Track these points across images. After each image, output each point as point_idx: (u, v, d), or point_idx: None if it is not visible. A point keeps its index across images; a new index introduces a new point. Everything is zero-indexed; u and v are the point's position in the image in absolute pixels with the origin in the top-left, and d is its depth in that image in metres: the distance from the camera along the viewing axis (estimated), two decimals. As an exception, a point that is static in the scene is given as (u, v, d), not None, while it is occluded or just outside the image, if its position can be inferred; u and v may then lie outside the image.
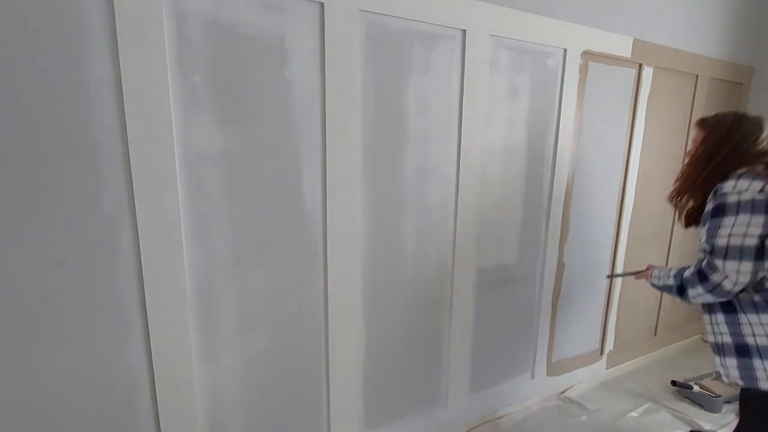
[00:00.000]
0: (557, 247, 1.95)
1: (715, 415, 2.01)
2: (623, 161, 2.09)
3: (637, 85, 2.02)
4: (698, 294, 1.22)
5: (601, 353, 2.31)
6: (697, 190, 1.32)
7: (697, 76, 2.24)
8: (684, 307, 2.65)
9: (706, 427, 1.92)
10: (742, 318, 1.18)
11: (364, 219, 1.43)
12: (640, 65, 1.99)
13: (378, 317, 1.54)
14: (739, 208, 1.14)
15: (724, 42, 2.32)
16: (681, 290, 1.28)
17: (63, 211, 1.00)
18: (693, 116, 2.29)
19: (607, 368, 2.35)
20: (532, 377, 2.05)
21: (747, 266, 1.11)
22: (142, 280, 1.11)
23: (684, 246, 2.50)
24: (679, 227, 2.40)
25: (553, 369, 2.12)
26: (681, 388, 2.16)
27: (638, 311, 2.41)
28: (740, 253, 1.12)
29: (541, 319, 1.99)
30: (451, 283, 1.68)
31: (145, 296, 1.11)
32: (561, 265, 2.00)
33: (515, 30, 1.59)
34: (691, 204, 1.37)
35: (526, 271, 1.91)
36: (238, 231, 1.23)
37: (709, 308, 1.27)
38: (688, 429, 1.91)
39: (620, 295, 2.28)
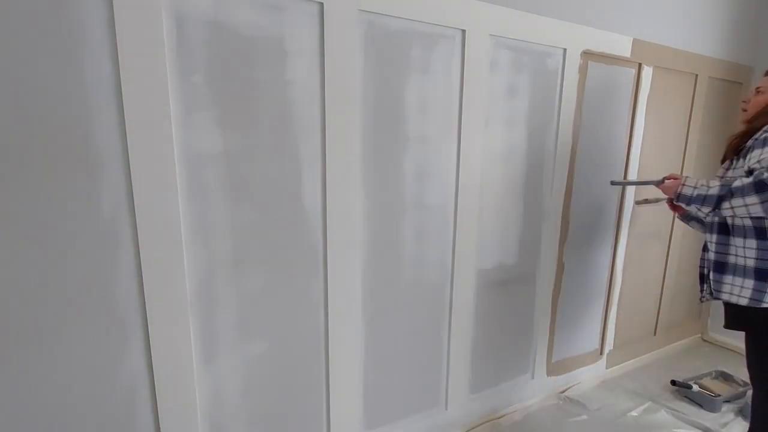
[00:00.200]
0: (557, 247, 1.95)
1: (714, 415, 2.02)
2: (623, 161, 2.09)
3: (636, 85, 2.02)
4: (746, 204, 1.20)
5: (601, 353, 2.31)
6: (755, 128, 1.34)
7: (697, 75, 2.24)
8: (684, 307, 2.65)
9: (707, 425, 1.92)
10: None
11: (364, 219, 1.43)
12: (640, 65, 1.99)
13: (378, 317, 1.54)
14: None
15: (724, 42, 2.33)
16: (720, 200, 1.26)
17: (63, 212, 1.00)
18: (692, 116, 2.30)
19: (606, 368, 2.35)
20: (532, 377, 2.05)
21: None
22: (142, 280, 1.10)
23: (684, 246, 2.50)
24: (678, 227, 2.42)
25: (553, 369, 2.12)
26: (680, 387, 2.16)
27: (638, 311, 2.41)
28: None
29: (540, 319, 2.00)
30: (450, 284, 1.68)
31: (145, 297, 1.11)
32: (561, 265, 2.00)
33: (515, 30, 1.59)
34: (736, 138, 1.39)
35: (526, 272, 1.91)
36: (237, 232, 1.23)
37: (738, 231, 1.32)
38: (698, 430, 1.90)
39: (620, 295, 2.28)
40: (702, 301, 1.49)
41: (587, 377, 2.27)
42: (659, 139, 2.20)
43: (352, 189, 1.38)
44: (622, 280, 2.27)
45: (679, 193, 1.36)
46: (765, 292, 1.28)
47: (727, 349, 2.68)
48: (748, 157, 1.30)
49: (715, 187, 1.28)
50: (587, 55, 1.81)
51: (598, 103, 1.92)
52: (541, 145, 1.80)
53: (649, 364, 2.50)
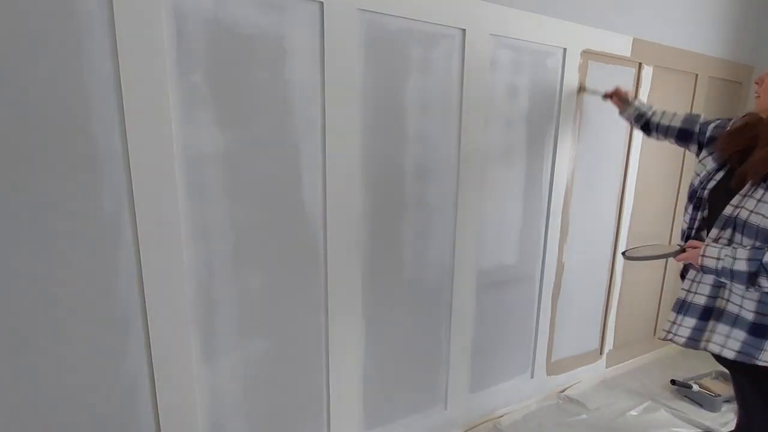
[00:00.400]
0: (557, 247, 1.95)
1: (714, 414, 2.02)
2: (623, 160, 2.09)
3: (636, 84, 2.02)
4: None
5: (601, 352, 2.31)
6: None
7: (697, 75, 2.24)
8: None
9: (706, 424, 1.92)
10: None
11: (364, 219, 1.43)
12: (640, 64, 1.99)
13: (378, 317, 1.54)
14: None
15: (724, 41, 2.32)
16: (752, 277, 1.06)
17: (62, 212, 1.00)
18: (692, 115, 2.30)
19: (606, 367, 2.35)
20: (532, 376, 2.05)
21: None
22: (142, 280, 1.10)
23: (683, 245, 2.50)
24: (678, 227, 2.42)
25: (553, 368, 2.12)
26: (680, 387, 2.16)
27: (638, 310, 2.41)
28: None
29: (540, 319, 2.00)
30: (450, 283, 1.68)
31: (145, 296, 1.11)
32: (561, 265, 2.00)
33: (515, 29, 1.59)
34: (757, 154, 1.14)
35: (525, 271, 1.91)
36: (237, 231, 1.23)
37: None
38: (698, 430, 1.90)
39: (620, 295, 2.28)
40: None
41: (587, 377, 2.27)
42: (659, 138, 2.20)
43: (352, 188, 1.38)
44: (622, 280, 2.27)
45: (702, 266, 1.18)
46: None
47: (727, 348, 2.68)
48: None
49: (741, 261, 1.08)
50: (587, 54, 1.81)
51: (598, 102, 1.91)
52: (541, 144, 1.80)
53: (648, 364, 2.50)
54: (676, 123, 1.57)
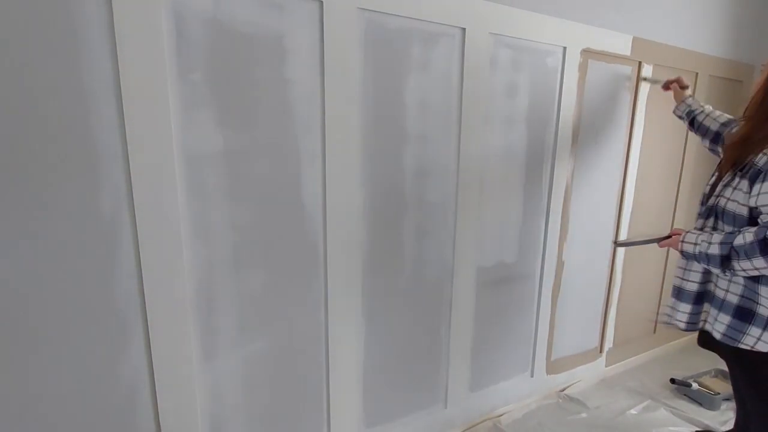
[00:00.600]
0: (557, 246, 1.96)
1: (713, 413, 2.02)
2: (623, 159, 2.09)
3: (637, 84, 2.01)
4: (755, 267, 1.07)
5: (601, 351, 2.31)
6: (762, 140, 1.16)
7: (697, 74, 2.24)
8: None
9: (706, 422, 1.92)
10: None
11: (364, 218, 1.43)
12: (640, 63, 1.99)
13: (378, 316, 1.54)
14: None
15: (724, 40, 2.32)
16: (725, 260, 1.13)
17: (62, 212, 1.00)
18: (693, 114, 2.29)
19: (606, 366, 2.35)
20: (532, 375, 2.06)
21: None
22: (142, 280, 1.10)
23: (683, 244, 2.50)
24: (678, 225, 2.42)
25: (553, 367, 2.13)
26: (680, 385, 2.17)
27: (637, 309, 2.41)
28: None
29: (540, 318, 2.00)
30: (450, 282, 1.68)
31: (145, 297, 1.11)
32: (560, 263, 2.00)
33: (515, 28, 1.59)
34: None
35: (525, 270, 1.91)
36: (238, 231, 1.23)
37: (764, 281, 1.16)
38: (695, 429, 1.91)
39: (620, 293, 2.28)
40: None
41: (587, 375, 2.27)
42: (659, 137, 2.20)
43: (352, 188, 1.37)
44: (622, 278, 2.27)
45: (682, 251, 1.27)
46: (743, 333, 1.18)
47: (727, 347, 2.68)
48: (754, 187, 1.10)
49: (715, 245, 1.15)
50: (587, 53, 1.81)
51: (598, 101, 1.91)
52: (541, 143, 1.80)
53: (648, 363, 2.50)
54: (714, 126, 1.56)
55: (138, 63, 1.01)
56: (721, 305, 1.24)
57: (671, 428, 1.91)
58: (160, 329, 1.15)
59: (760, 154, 1.14)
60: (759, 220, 1.11)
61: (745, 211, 1.14)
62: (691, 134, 2.31)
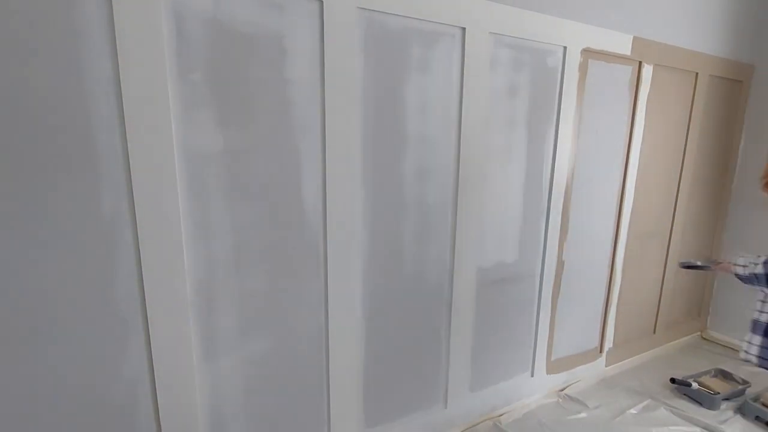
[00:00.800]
0: (557, 245, 1.95)
1: (713, 412, 2.02)
2: (623, 159, 2.09)
3: (637, 83, 2.01)
4: None
5: (601, 351, 2.31)
6: None
7: (697, 73, 2.23)
8: (683, 305, 2.66)
9: (706, 421, 1.93)
10: None
11: (364, 218, 1.43)
12: (640, 63, 1.99)
13: (378, 316, 1.54)
14: None
15: (725, 40, 2.32)
16: None
17: (62, 212, 1.00)
18: (693, 114, 2.29)
19: (606, 366, 2.35)
20: (532, 375, 2.06)
21: None
22: (142, 280, 1.10)
23: (684, 245, 2.50)
24: (678, 225, 2.42)
25: (553, 367, 2.13)
26: (680, 385, 2.17)
27: (637, 309, 2.41)
28: None
29: (540, 318, 2.00)
30: (450, 282, 1.68)
31: (146, 297, 1.11)
32: (561, 263, 2.00)
33: (515, 28, 1.59)
34: None
35: (525, 270, 1.91)
36: (237, 231, 1.23)
37: None
38: (697, 428, 1.90)
39: (620, 293, 2.28)
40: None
41: (587, 375, 2.27)
42: (659, 137, 2.20)
43: (352, 188, 1.37)
44: (622, 279, 2.27)
45: (735, 274, 1.44)
46: None
47: (727, 347, 2.69)
48: None
49: (759, 265, 1.35)
50: (587, 53, 1.81)
51: (599, 101, 1.91)
52: (541, 143, 1.80)
53: (648, 362, 2.50)
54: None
55: (138, 63, 1.01)
56: None
57: (671, 428, 1.91)
58: (161, 329, 1.15)
59: None
60: None
61: None
62: (692, 133, 2.32)
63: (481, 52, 1.53)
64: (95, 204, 1.03)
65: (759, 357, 1.38)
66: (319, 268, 1.38)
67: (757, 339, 1.41)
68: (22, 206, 0.96)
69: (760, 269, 1.34)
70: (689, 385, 2.13)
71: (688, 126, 2.30)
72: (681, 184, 2.37)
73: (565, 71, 1.76)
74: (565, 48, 1.74)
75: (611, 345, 2.34)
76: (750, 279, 1.39)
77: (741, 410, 2.02)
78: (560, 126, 1.81)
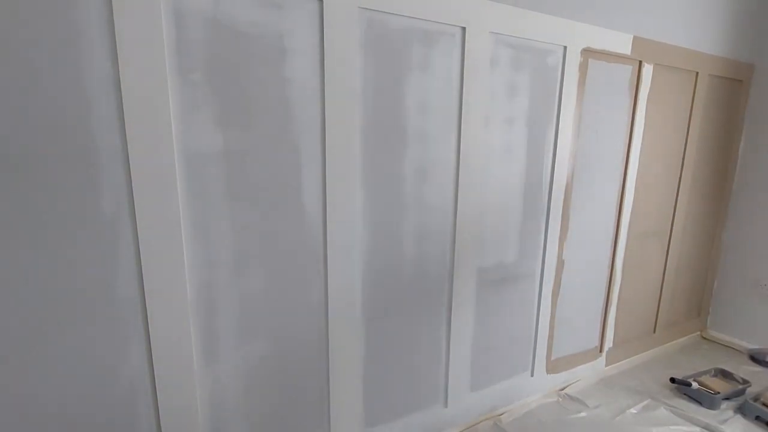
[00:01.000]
0: (557, 245, 1.95)
1: (713, 412, 2.02)
2: (623, 159, 2.09)
3: (637, 83, 2.01)
4: None
5: (601, 350, 2.31)
6: None
7: (697, 73, 2.23)
8: (683, 305, 2.66)
9: (706, 421, 1.93)
10: None
11: (364, 218, 1.43)
12: (640, 62, 1.99)
13: (378, 317, 1.54)
14: None
15: (725, 39, 2.32)
16: None
17: (62, 212, 1.00)
18: (693, 114, 2.29)
19: (606, 365, 2.35)
20: (532, 375, 2.06)
21: None
22: (143, 280, 1.10)
23: (684, 244, 2.50)
24: (678, 225, 2.42)
25: (553, 366, 2.13)
26: (680, 385, 2.17)
27: (637, 309, 2.41)
28: None
29: (540, 317, 2.00)
30: (450, 282, 1.68)
31: (145, 297, 1.11)
32: (561, 263, 2.00)
33: (515, 27, 1.59)
34: None
35: (525, 269, 1.91)
36: (238, 232, 1.23)
37: None
38: (697, 427, 1.89)
39: (620, 293, 2.28)
40: None
41: (587, 375, 2.27)
42: (659, 136, 2.20)
43: (352, 188, 1.37)
44: (622, 278, 2.27)
45: None
46: None
47: (727, 346, 2.69)
48: None
49: None
50: (587, 52, 1.81)
51: (599, 101, 1.91)
52: (542, 142, 1.80)
53: (648, 362, 2.50)
54: None
55: (138, 63, 1.01)
56: None
57: (671, 427, 1.91)
58: (161, 329, 1.15)
59: None
60: None
61: None
62: (692, 132, 2.32)
63: (481, 51, 1.53)
64: (95, 204, 1.03)
65: None
66: (319, 266, 1.38)
67: None
68: (22, 206, 0.95)
69: None
70: (689, 384, 2.13)
71: (688, 125, 2.30)
72: (681, 183, 2.37)
73: (565, 71, 1.76)
74: (565, 47, 1.74)
75: (611, 344, 2.34)
76: None
77: (741, 410, 2.03)
78: (560, 125, 1.81)
